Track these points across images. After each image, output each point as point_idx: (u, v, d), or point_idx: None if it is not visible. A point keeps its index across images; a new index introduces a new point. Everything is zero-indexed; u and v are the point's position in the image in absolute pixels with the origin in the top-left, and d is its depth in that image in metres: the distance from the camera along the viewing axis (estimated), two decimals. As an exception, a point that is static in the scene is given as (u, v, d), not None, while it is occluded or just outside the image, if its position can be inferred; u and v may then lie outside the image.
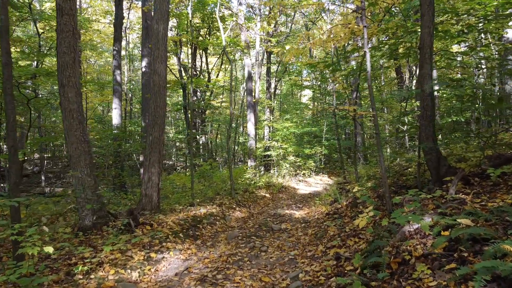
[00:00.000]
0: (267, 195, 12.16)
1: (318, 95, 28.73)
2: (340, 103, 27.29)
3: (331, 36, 6.08)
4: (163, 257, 4.92)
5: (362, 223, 4.32)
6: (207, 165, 15.00)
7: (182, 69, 20.72)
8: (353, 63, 16.86)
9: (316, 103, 29.41)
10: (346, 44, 19.40)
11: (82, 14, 25.10)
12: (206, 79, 21.86)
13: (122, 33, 24.76)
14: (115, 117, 14.87)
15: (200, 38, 18.76)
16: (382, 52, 7.16)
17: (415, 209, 4.54)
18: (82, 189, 6.32)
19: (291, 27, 26.43)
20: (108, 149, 12.56)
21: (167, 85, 19.95)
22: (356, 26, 5.81)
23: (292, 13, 25.54)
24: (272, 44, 18.11)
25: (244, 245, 5.72)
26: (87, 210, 6.28)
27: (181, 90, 22.61)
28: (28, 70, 8.27)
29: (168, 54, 24.57)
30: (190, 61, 19.48)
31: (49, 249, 3.36)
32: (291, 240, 6.08)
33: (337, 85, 10.52)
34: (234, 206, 8.96)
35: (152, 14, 8.90)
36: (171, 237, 5.54)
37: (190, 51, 20.28)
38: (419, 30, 7.25)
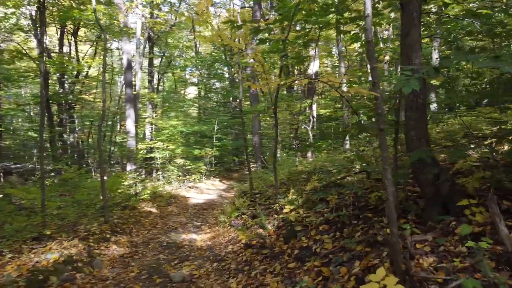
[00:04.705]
0: (154, 209, 9.80)
1: (204, 92, 27.21)
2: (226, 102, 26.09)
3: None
4: None
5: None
6: (72, 173, 11.71)
7: (43, 53, 16.45)
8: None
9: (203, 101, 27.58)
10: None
11: None
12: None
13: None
14: None
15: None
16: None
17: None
18: None
19: (176, 19, 23.65)
20: None
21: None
22: None
23: (177, 3, 23.08)
24: (159, 30, 15.59)
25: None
26: None
27: (41, 79, 18.12)
28: None
29: (26, 35, 19.51)
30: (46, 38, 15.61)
31: None
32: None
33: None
34: (108, 236, 6.39)
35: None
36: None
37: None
38: None
